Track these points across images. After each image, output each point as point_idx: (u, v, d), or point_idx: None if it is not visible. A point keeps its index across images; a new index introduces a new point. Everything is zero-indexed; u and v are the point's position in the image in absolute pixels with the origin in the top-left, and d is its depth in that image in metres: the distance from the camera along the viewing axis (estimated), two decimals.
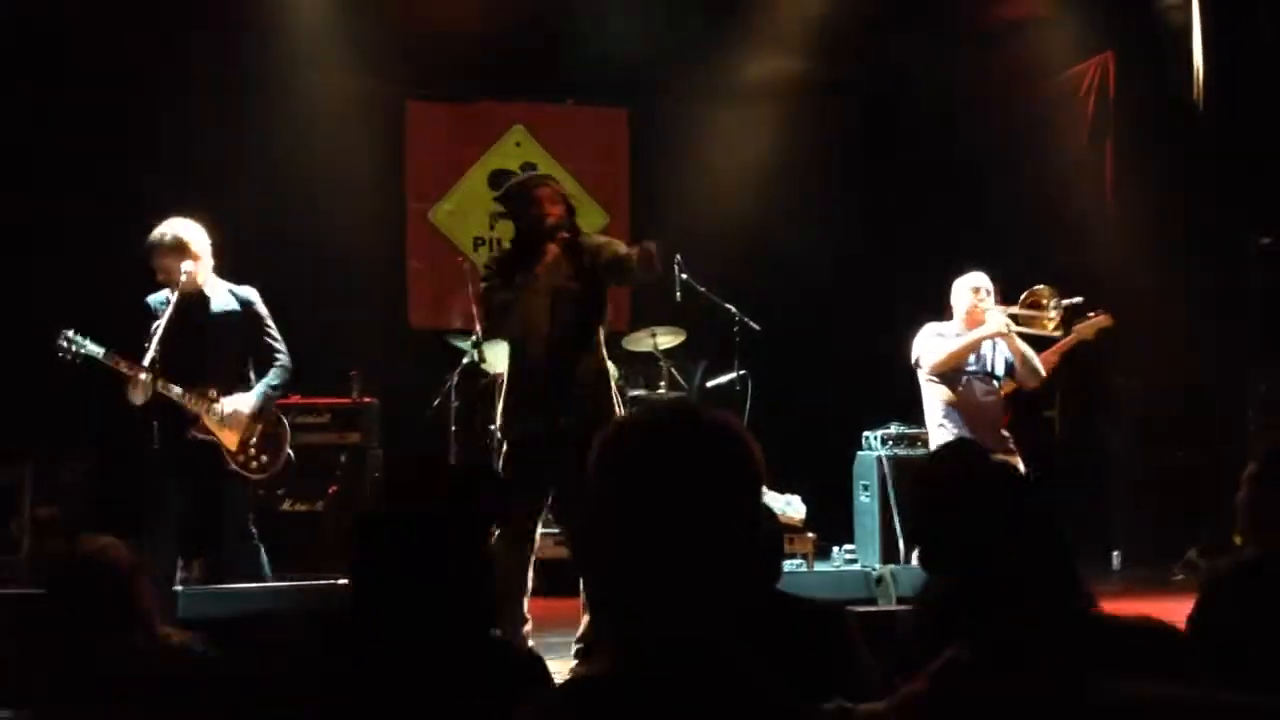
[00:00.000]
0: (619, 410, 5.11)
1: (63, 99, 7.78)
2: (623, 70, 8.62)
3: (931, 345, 6.02)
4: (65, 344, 5.07)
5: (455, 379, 7.72)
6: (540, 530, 5.21)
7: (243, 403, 5.30)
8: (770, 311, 7.84)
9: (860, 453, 7.81)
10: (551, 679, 2.20)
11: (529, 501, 5.01)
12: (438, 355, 7.98)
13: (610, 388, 5.12)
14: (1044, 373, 6.14)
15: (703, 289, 7.63)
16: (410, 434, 7.65)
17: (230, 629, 4.53)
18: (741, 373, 7.68)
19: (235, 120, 7.94)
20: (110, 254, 7.40)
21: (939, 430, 6.02)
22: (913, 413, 7.78)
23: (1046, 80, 8.88)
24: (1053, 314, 6.11)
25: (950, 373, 5.99)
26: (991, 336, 5.98)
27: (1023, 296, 6.16)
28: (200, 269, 5.26)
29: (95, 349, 5.08)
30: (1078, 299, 6.27)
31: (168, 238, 5.22)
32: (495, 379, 7.69)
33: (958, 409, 5.99)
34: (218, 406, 5.24)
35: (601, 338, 5.13)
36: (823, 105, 8.98)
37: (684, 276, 7.65)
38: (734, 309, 7.66)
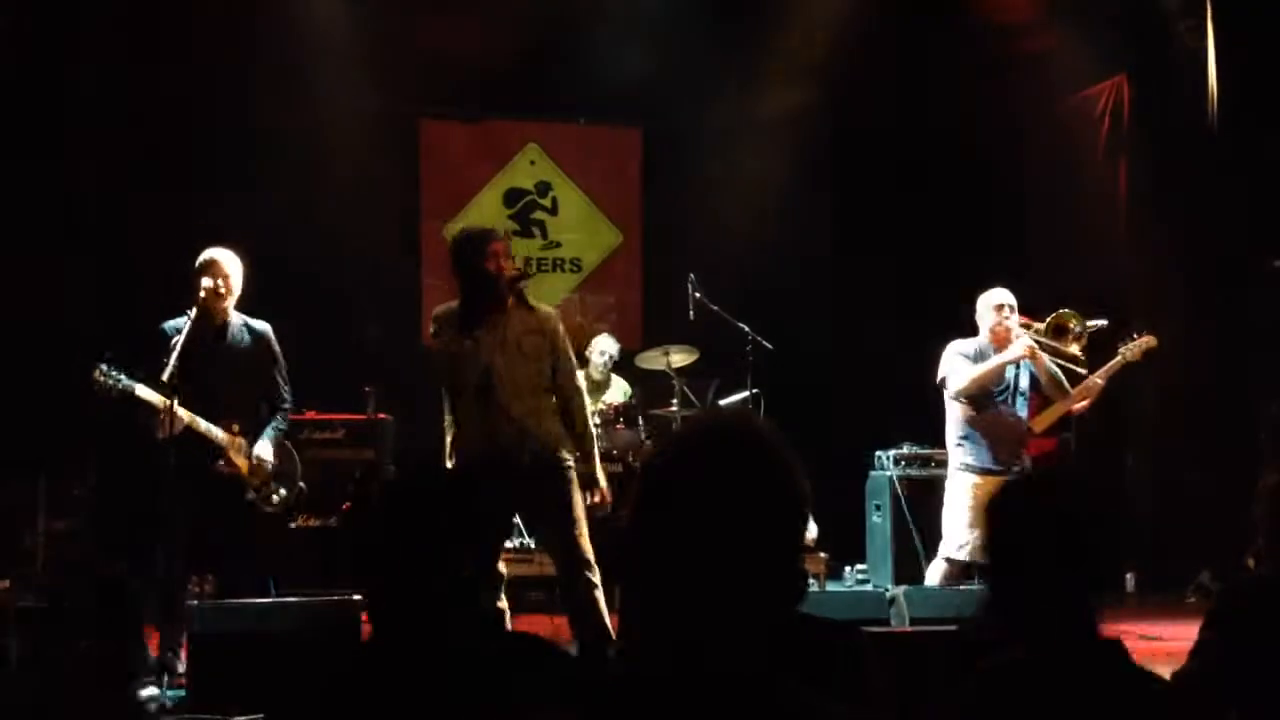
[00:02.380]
0: (566, 447, 5.15)
1: (77, 121, 7.84)
2: (636, 90, 8.65)
3: (957, 367, 5.96)
4: (100, 378, 5.04)
5: None
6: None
7: (265, 451, 5.35)
8: (782, 330, 7.84)
9: (873, 472, 7.81)
10: (559, 652, 2.22)
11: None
12: None
13: (558, 429, 5.17)
14: (1069, 388, 6.09)
15: (715, 308, 7.65)
16: (425, 451, 7.67)
17: (242, 644, 4.57)
18: (754, 391, 7.68)
19: (251, 140, 7.98)
20: (120, 271, 7.49)
21: (958, 449, 5.99)
22: (925, 432, 7.79)
23: (1062, 103, 8.89)
24: (1078, 337, 6.07)
25: (976, 392, 5.98)
26: (1017, 360, 5.95)
27: (1048, 320, 6.10)
28: (222, 295, 5.28)
29: (130, 383, 5.08)
30: (1102, 321, 6.20)
31: (200, 260, 5.28)
32: None
33: (980, 427, 5.94)
34: (240, 442, 5.28)
35: (550, 385, 5.19)
36: (837, 126, 9.00)
37: (697, 295, 7.67)
38: (746, 328, 7.67)
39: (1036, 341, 5.97)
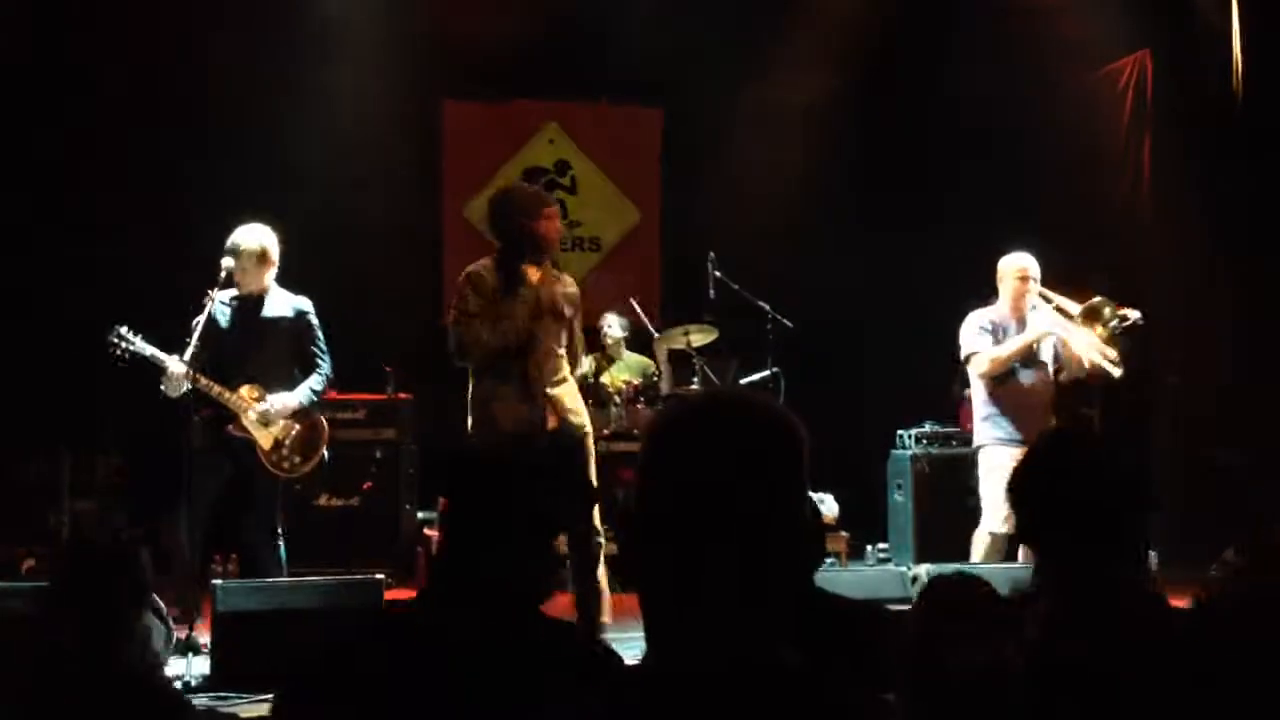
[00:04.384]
0: (584, 419, 5.34)
1: (102, 100, 7.85)
2: (657, 70, 8.61)
3: (979, 346, 5.86)
4: (116, 340, 5.14)
5: None
6: None
7: (281, 402, 5.36)
8: (803, 309, 7.81)
9: (894, 451, 7.79)
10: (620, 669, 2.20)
11: None
12: None
13: (579, 401, 5.36)
14: (1089, 368, 5.99)
15: (736, 286, 7.62)
16: (445, 431, 7.69)
17: (266, 624, 4.60)
18: (774, 370, 7.66)
19: (273, 120, 7.98)
20: (147, 252, 7.50)
21: (984, 424, 5.91)
22: (947, 411, 7.77)
23: (1084, 77, 8.81)
24: (1106, 323, 5.90)
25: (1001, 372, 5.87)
26: (1040, 339, 5.85)
27: (1083, 305, 5.88)
28: (258, 274, 5.37)
29: (144, 347, 5.16)
30: (1136, 314, 5.93)
31: (231, 245, 5.34)
32: None
33: (1004, 399, 5.85)
34: (260, 406, 5.30)
35: (566, 350, 5.34)
36: (858, 104, 8.94)
37: (717, 274, 7.65)
38: (767, 306, 7.65)
39: (1066, 314, 5.87)
